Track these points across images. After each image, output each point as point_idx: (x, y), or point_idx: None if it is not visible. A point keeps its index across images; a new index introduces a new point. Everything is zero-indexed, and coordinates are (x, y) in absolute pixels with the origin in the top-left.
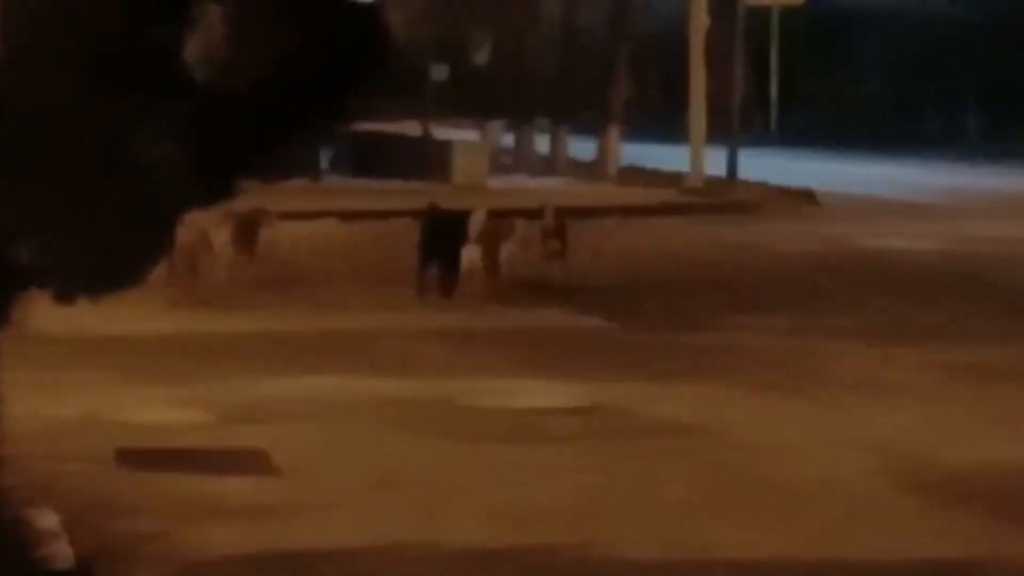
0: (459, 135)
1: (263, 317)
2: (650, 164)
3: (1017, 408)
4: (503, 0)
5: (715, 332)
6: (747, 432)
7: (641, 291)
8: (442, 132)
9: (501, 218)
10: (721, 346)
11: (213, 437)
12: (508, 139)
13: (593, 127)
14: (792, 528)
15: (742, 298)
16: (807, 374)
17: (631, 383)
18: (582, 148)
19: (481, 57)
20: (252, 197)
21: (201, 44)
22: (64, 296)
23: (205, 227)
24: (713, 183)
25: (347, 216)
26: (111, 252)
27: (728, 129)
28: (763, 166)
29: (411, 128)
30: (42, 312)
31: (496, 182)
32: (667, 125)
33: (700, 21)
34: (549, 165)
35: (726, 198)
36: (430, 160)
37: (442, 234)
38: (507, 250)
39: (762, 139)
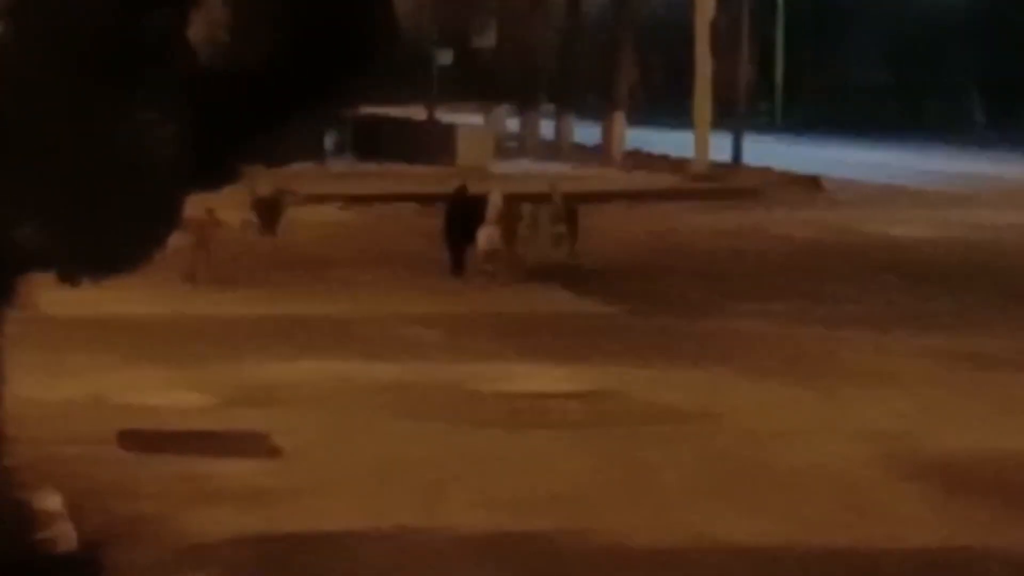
0: (464, 119)
1: (267, 300)
2: (655, 149)
3: (1016, 396)
4: None
5: (716, 318)
6: (747, 418)
7: (643, 277)
8: (447, 116)
9: (516, 201)
10: (722, 333)
11: (215, 420)
12: (513, 123)
13: (598, 112)
14: (791, 514)
15: (744, 284)
16: (807, 361)
17: (632, 369)
18: (587, 133)
19: (486, 41)
20: (273, 178)
21: (204, 26)
22: (68, 277)
23: (213, 206)
24: (718, 168)
25: (351, 200)
26: (114, 234)
27: (733, 115)
28: (768, 152)
29: (416, 112)
30: (48, 294)
31: (501, 166)
32: (672, 110)
33: (706, 7)
34: (554, 150)
35: (730, 184)
36: (434, 144)
37: (465, 216)
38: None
39: (767, 125)
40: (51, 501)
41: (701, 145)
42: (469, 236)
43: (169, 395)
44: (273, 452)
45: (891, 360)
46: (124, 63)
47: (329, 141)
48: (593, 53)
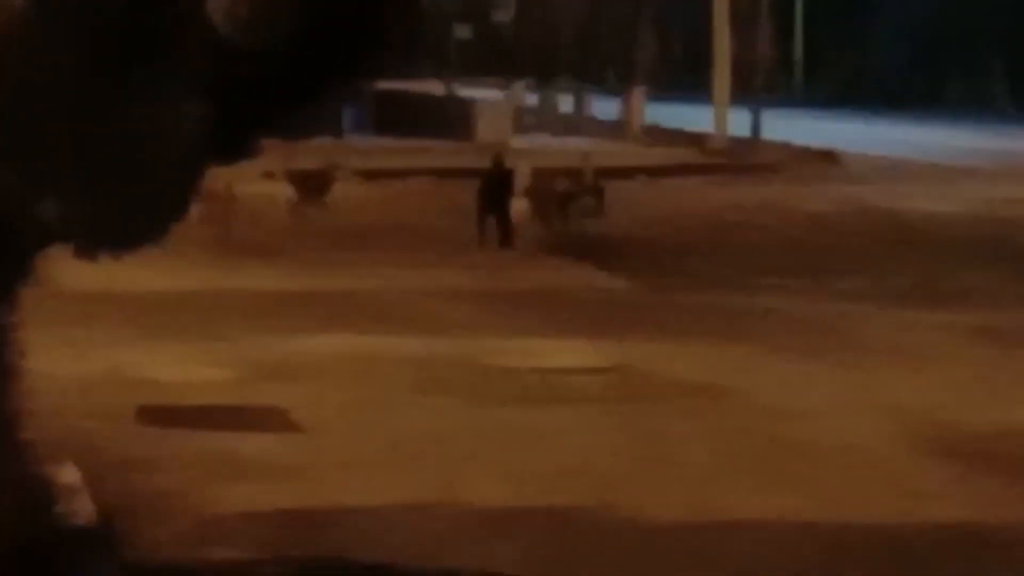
0: (483, 94)
1: (289, 274)
2: (674, 124)
3: None
4: None
5: (738, 294)
6: (769, 394)
7: (664, 252)
8: (466, 91)
9: (549, 175)
10: (744, 308)
11: (236, 395)
12: (532, 98)
13: (617, 87)
14: (814, 491)
15: (765, 260)
16: (829, 337)
17: (653, 344)
18: (606, 108)
19: (505, 16)
20: (321, 152)
21: (224, 1)
22: (87, 252)
23: (231, 179)
24: (737, 143)
25: (370, 175)
26: (134, 208)
27: (752, 90)
28: (786, 127)
29: (434, 87)
30: (67, 268)
31: (520, 141)
32: (691, 85)
33: None
34: (573, 125)
35: (749, 159)
36: (453, 119)
37: (500, 188)
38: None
39: (786, 100)
40: (70, 475)
41: (720, 120)
42: (503, 208)
43: (190, 370)
44: (294, 427)
45: (914, 335)
46: (144, 38)
47: (347, 116)
48: (612, 28)
